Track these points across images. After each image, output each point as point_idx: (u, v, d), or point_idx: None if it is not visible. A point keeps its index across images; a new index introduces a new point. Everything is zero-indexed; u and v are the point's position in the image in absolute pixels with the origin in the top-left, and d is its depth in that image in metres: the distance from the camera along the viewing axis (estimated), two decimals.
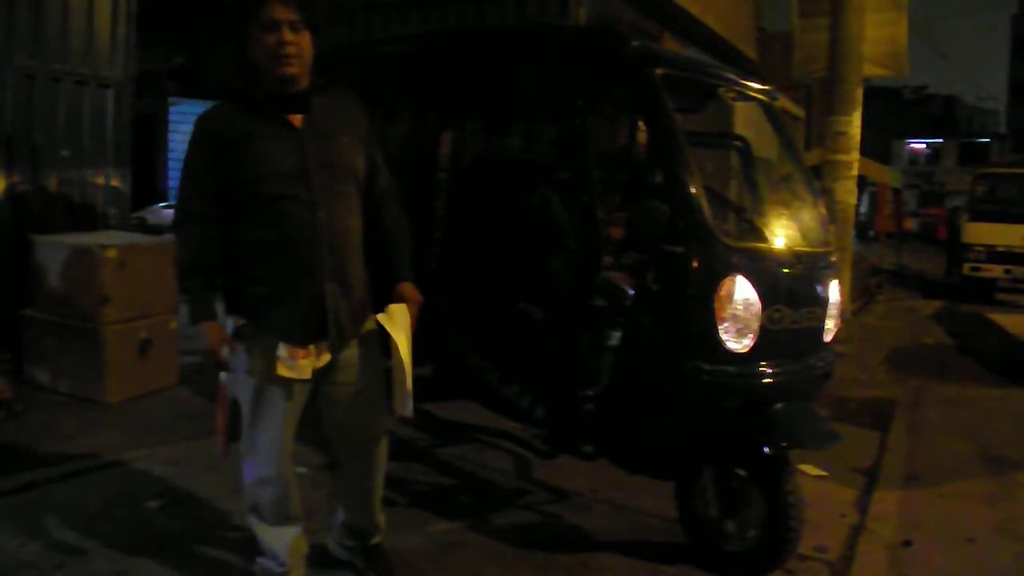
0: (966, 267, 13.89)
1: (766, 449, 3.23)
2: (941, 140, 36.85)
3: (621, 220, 3.57)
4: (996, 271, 13.57)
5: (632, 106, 4.01)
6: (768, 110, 4.15)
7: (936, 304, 13.35)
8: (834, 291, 3.69)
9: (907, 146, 37.07)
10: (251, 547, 3.40)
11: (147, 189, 13.14)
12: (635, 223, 3.23)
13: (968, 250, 13.86)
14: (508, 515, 3.91)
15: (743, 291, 3.19)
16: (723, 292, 3.16)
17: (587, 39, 3.99)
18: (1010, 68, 49.46)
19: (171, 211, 10.89)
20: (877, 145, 30.99)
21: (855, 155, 7.03)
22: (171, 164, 16.30)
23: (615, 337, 3.57)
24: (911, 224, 28.85)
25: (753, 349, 3.22)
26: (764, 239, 3.65)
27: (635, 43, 3.50)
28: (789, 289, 3.40)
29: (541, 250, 3.95)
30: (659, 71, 3.42)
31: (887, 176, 18.07)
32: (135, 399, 5.25)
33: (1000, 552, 3.90)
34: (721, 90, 3.98)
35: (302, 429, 4.92)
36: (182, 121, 16.53)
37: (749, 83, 4.05)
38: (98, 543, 3.37)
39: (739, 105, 4.28)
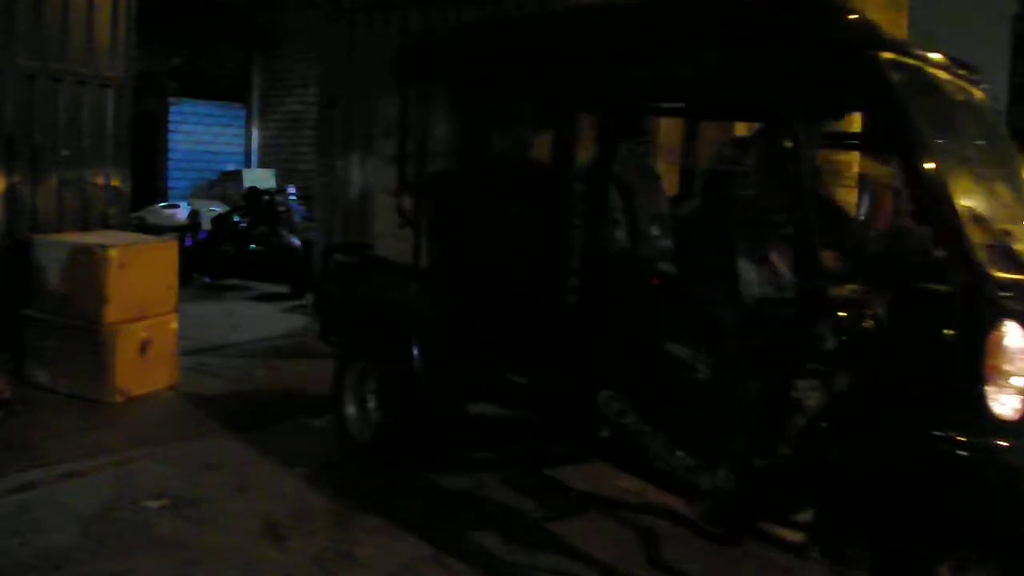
0: None
1: None
2: None
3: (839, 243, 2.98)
4: None
5: (848, 101, 3.21)
6: (981, 104, 3.36)
7: None
8: None
9: None
10: (251, 546, 3.41)
11: (147, 189, 13.11)
12: (887, 251, 2.74)
13: None
14: None
15: (1019, 340, 2.51)
16: (995, 342, 2.50)
17: (783, 14, 3.02)
18: (1011, 68, 49.42)
19: (172, 211, 10.72)
20: None
21: (855, 155, 7.01)
22: (171, 164, 16.29)
23: (817, 389, 2.85)
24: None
25: None
26: None
27: (852, 17, 2.77)
28: None
29: (723, 283, 3.18)
30: (884, 55, 2.71)
31: (887, 175, 18.03)
32: (135, 399, 5.24)
33: None
34: (946, 82, 3.13)
35: (300, 428, 4.93)
36: (182, 121, 16.53)
37: (968, 72, 3.33)
38: (98, 543, 3.36)
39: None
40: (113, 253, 5.19)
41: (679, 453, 3.16)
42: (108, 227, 6.18)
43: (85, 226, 6.01)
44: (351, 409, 4.37)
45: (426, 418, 4.11)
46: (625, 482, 3.91)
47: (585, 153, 3.55)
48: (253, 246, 9.64)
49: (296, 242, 9.36)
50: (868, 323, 2.72)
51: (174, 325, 5.63)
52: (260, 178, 14.45)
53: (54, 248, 5.38)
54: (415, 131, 4.51)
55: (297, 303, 8.77)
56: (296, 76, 16.11)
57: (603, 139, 3.52)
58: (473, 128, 4.38)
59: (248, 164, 17.21)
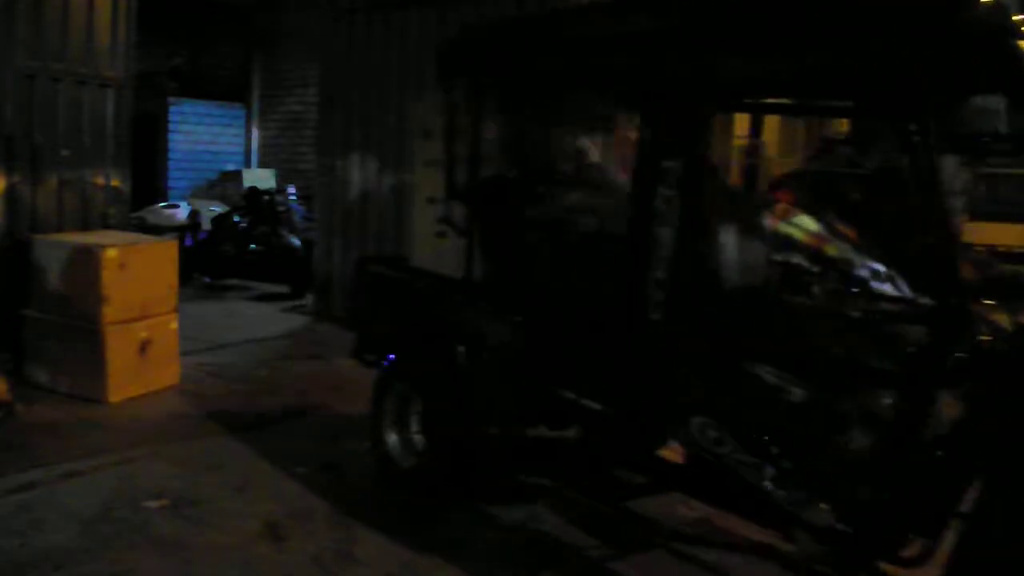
0: None
1: None
2: None
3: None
4: None
5: (983, 94, 2.83)
6: None
7: None
8: None
9: None
10: (251, 546, 3.41)
11: (147, 189, 13.12)
12: None
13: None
14: None
15: None
16: None
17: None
18: None
19: (172, 211, 10.67)
20: None
21: None
22: (171, 164, 16.30)
23: (945, 414, 2.60)
24: None
25: None
26: None
27: (985, 1, 2.47)
28: None
29: (835, 298, 2.87)
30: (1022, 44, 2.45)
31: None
32: (135, 399, 5.24)
33: None
34: None
35: (300, 428, 4.93)
36: (182, 121, 16.53)
37: None
38: (98, 543, 3.36)
39: None
40: (113, 253, 5.19)
41: (785, 486, 2.83)
42: (108, 227, 6.18)
43: (85, 226, 6.01)
44: (392, 433, 4.09)
45: (481, 445, 3.80)
46: (687, 510, 3.74)
47: (673, 153, 3.14)
48: (253, 246, 9.64)
49: (296, 242, 9.37)
50: (1001, 343, 2.49)
51: (174, 325, 5.63)
52: (260, 178, 14.45)
53: (54, 248, 5.39)
54: (465, 133, 4.00)
55: (297, 303, 8.78)
56: (296, 76, 16.11)
57: (698, 139, 3.16)
58: (540, 128, 4.03)
59: (248, 164, 17.22)
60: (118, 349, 5.21)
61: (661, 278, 3.11)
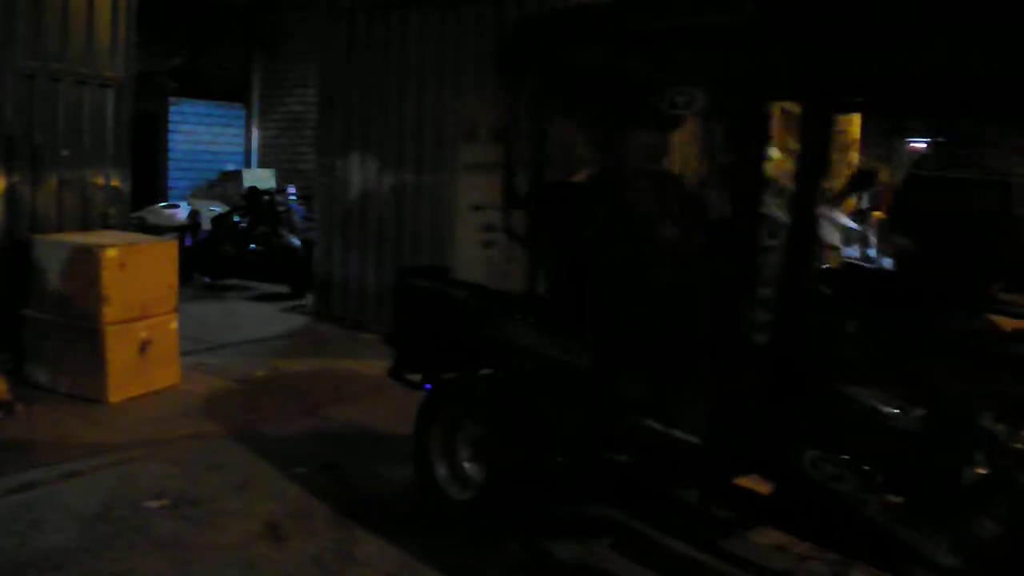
0: None
1: None
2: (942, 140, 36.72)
3: None
4: None
5: None
6: None
7: None
8: None
9: (908, 146, 36.96)
10: (250, 546, 3.42)
11: (147, 189, 13.11)
12: None
13: None
14: None
15: None
16: None
17: None
18: None
19: (172, 211, 10.66)
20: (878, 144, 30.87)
21: (854, 155, 7.03)
22: (171, 164, 16.30)
23: None
24: None
25: None
26: None
27: None
28: None
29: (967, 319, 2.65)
30: None
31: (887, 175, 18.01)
32: (135, 399, 5.25)
33: None
34: None
35: (300, 428, 4.93)
36: (182, 121, 16.52)
37: None
38: (98, 543, 3.37)
39: None
40: (113, 253, 5.19)
41: (909, 522, 2.55)
42: (108, 227, 6.18)
43: (85, 226, 6.01)
44: (441, 463, 3.77)
45: (547, 475, 3.54)
46: (772, 544, 3.47)
47: (785, 155, 2.88)
48: (253, 246, 9.64)
49: (296, 242, 9.37)
50: None
51: (174, 325, 5.64)
52: (260, 178, 14.44)
53: (54, 248, 5.39)
54: (527, 134, 3.64)
55: (297, 303, 8.78)
56: (296, 76, 16.10)
57: (815, 140, 2.75)
58: (622, 127, 3.57)
59: (248, 164, 17.20)
60: (118, 349, 5.21)
61: (768, 296, 2.79)
